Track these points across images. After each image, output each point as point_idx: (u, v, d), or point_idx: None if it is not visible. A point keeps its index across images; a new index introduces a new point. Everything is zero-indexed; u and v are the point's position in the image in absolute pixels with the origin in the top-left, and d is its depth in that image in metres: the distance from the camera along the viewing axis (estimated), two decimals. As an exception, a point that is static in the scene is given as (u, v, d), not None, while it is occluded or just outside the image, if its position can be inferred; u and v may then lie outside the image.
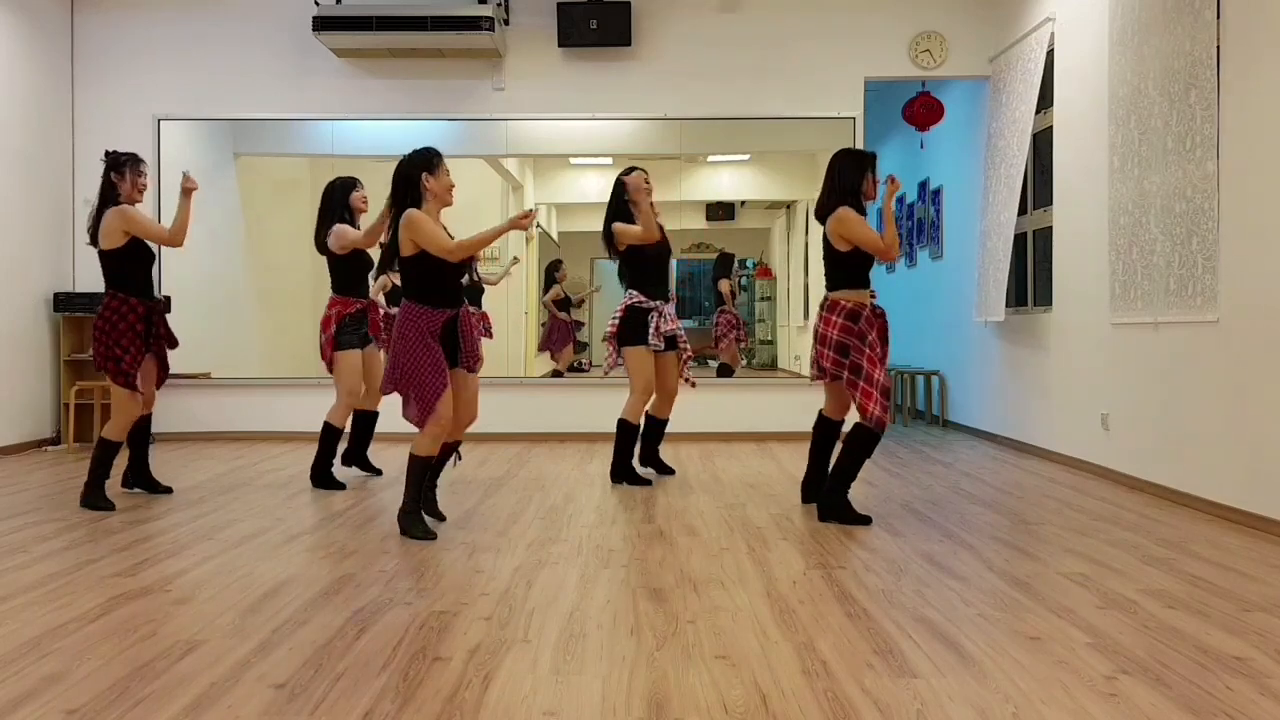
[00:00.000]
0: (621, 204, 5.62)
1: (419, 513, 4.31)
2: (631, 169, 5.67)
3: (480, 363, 4.54)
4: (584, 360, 9.13)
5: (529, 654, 2.78)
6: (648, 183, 5.60)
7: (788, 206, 9.41)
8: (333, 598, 3.33)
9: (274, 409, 7.74)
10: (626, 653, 2.78)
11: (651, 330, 5.52)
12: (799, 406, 7.96)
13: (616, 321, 5.59)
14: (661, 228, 5.65)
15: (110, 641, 2.87)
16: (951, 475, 6.05)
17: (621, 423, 5.64)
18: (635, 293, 5.60)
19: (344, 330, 5.44)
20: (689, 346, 5.77)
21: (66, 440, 7.33)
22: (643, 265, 5.60)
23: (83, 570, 3.69)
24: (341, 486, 5.50)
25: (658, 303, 5.59)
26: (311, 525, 4.54)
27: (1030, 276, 7.25)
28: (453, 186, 4.35)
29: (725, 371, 8.60)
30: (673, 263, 5.88)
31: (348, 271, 5.50)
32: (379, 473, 5.95)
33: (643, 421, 5.76)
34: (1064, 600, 3.31)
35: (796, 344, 9.26)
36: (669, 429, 6.28)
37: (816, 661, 2.71)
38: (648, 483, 5.69)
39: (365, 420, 5.83)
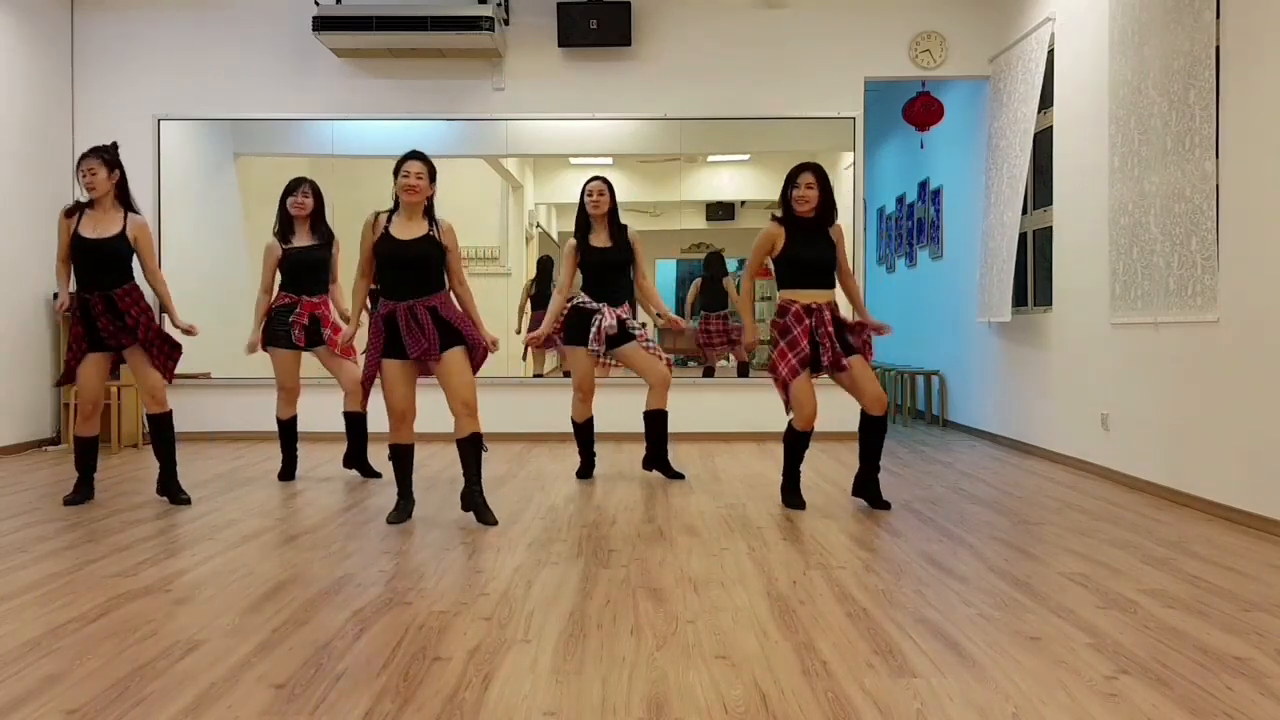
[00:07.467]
0: (584, 212, 5.66)
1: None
2: (592, 178, 5.68)
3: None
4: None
5: (529, 654, 2.78)
6: (600, 194, 5.60)
7: (788, 207, 9.39)
8: (333, 598, 3.33)
9: (274, 409, 7.72)
10: (626, 653, 2.78)
11: (592, 333, 5.54)
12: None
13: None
14: (624, 231, 5.65)
15: (110, 641, 2.87)
16: (951, 475, 6.05)
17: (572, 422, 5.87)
18: (583, 294, 5.68)
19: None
20: (643, 330, 5.70)
21: (66, 440, 7.32)
22: (585, 271, 5.69)
23: (83, 570, 3.69)
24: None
25: (602, 305, 5.59)
26: (311, 525, 4.54)
27: (1030, 276, 7.24)
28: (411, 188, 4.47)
29: (743, 371, 8.48)
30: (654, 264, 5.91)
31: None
32: (378, 475, 5.86)
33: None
34: (1064, 600, 3.31)
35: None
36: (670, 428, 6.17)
37: (816, 661, 2.71)
38: (588, 474, 5.92)
39: (356, 423, 5.77)
